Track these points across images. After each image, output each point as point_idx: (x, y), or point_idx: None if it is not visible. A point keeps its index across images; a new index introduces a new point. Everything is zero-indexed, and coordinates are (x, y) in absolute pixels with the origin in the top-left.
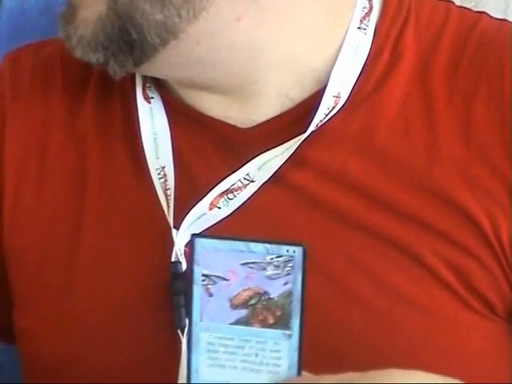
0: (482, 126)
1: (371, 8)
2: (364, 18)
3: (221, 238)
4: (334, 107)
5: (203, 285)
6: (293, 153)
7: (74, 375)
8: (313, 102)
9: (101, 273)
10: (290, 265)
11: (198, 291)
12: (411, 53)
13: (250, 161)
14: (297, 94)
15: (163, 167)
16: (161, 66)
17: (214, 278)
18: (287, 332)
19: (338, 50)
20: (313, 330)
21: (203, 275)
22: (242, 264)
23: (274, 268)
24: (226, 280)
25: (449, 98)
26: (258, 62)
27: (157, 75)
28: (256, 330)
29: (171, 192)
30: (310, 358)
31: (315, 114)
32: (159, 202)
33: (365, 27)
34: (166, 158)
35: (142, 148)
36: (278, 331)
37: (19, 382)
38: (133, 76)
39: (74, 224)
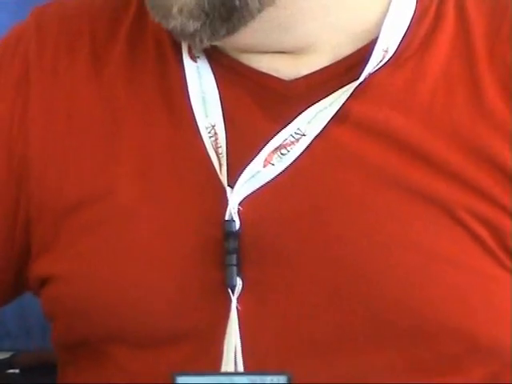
0: None
1: None
2: None
3: (202, 374)
4: (380, 61)
5: None
6: (342, 105)
7: (120, 317)
8: (358, 55)
9: (143, 229)
10: None
11: None
12: (453, 13)
13: (298, 115)
14: (347, 51)
15: (213, 126)
16: (247, 33)
17: None
18: None
19: (387, 9)
20: (350, 288)
21: None
22: None
23: None
24: None
25: (490, 58)
26: (323, 21)
27: (236, 44)
28: None
29: (223, 150)
30: (347, 313)
31: (365, 66)
32: (209, 160)
33: None
34: (216, 117)
35: (190, 106)
36: None
37: (25, 347)
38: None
39: (109, 172)
